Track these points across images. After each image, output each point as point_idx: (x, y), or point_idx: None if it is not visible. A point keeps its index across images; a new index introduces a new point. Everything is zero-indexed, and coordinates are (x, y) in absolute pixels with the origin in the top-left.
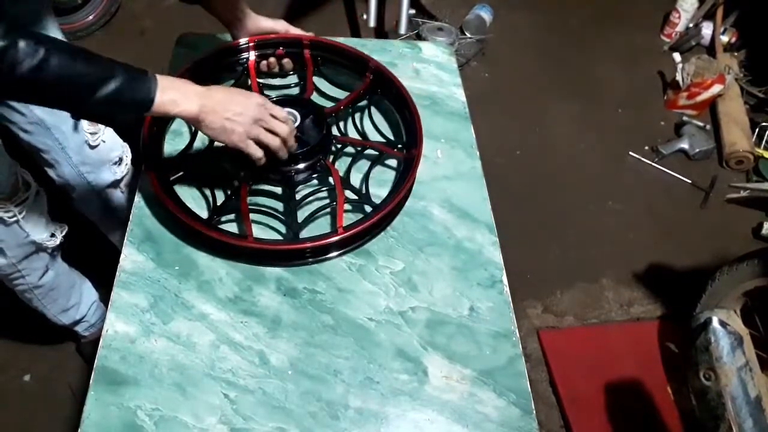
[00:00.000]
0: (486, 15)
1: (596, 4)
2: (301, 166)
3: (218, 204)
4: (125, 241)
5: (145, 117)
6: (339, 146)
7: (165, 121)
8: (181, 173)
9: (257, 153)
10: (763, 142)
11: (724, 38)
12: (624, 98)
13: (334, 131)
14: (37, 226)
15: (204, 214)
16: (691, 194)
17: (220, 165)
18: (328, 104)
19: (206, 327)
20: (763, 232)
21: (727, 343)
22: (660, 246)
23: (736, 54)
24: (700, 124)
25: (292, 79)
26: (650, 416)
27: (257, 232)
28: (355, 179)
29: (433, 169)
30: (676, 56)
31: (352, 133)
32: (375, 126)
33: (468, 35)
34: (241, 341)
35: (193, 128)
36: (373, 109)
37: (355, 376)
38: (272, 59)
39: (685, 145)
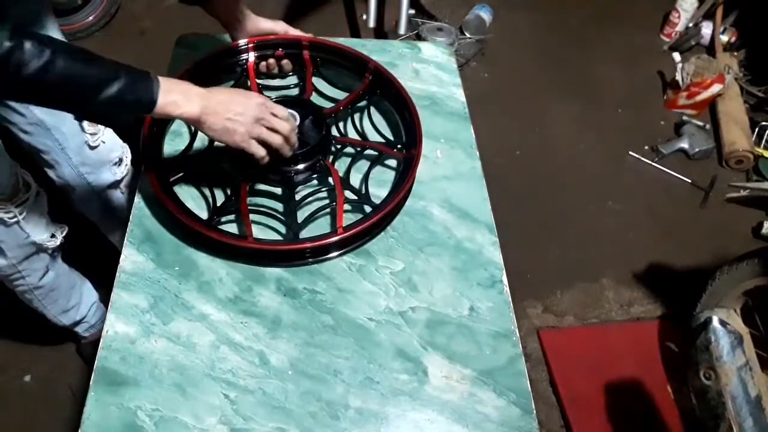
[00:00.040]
0: (486, 15)
1: (596, 4)
2: (301, 166)
3: (218, 204)
4: (125, 241)
5: (145, 118)
6: (338, 147)
7: (165, 121)
8: (181, 174)
9: (260, 152)
10: (763, 141)
11: (724, 38)
12: (624, 98)
13: (334, 132)
14: (37, 226)
15: (204, 214)
16: (691, 194)
17: (220, 166)
18: (328, 105)
19: (206, 327)
20: (763, 231)
21: (727, 342)
22: (660, 246)
23: (735, 53)
24: (700, 123)
25: (292, 80)
26: (650, 416)
27: (257, 232)
28: (355, 179)
29: (432, 169)
30: (676, 56)
31: (352, 134)
32: (374, 126)
33: (468, 35)
34: (241, 341)
35: (193, 129)
36: (372, 109)
37: (355, 376)
38: (271, 60)
39: (684, 145)
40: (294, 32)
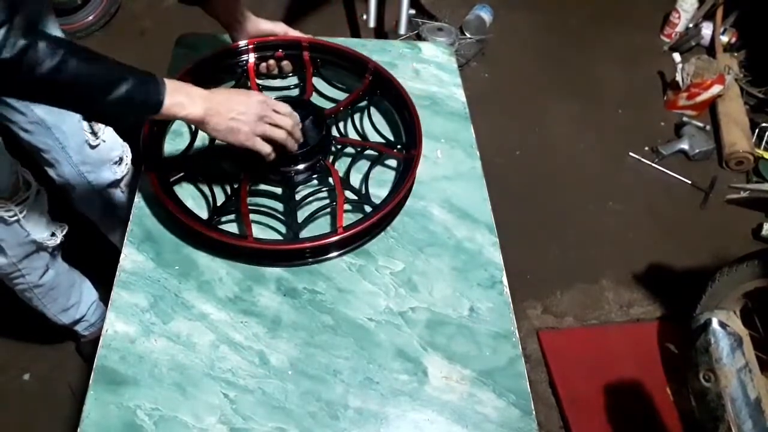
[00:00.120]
0: (486, 15)
1: (596, 4)
2: (301, 166)
3: (218, 204)
4: (125, 240)
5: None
6: (339, 147)
7: (165, 121)
8: (181, 173)
9: (265, 149)
10: (763, 142)
11: (724, 38)
12: (624, 98)
13: (334, 132)
14: (37, 225)
15: (204, 214)
16: (691, 195)
17: (221, 165)
18: (328, 105)
19: (206, 327)
20: (763, 233)
21: (727, 344)
22: (660, 246)
23: (735, 54)
24: (700, 124)
25: (292, 80)
26: (650, 417)
27: (257, 232)
28: (355, 179)
29: (433, 169)
30: (676, 56)
31: (352, 134)
32: (374, 127)
33: (468, 35)
34: (241, 341)
35: (194, 128)
36: (372, 109)
37: (355, 376)
38: (272, 61)
39: (685, 146)
40: (294, 33)
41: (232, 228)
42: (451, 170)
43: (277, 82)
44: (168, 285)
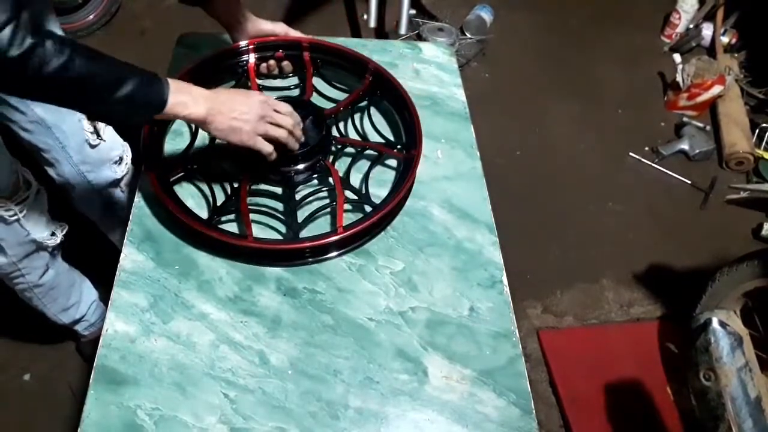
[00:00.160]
0: (486, 15)
1: (596, 5)
2: (301, 166)
3: (218, 204)
4: (125, 240)
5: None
6: (339, 147)
7: (165, 121)
8: (181, 173)
9: (267, 148)
10: (763, 143)
11: (725, 39)
12: (624, 99)
13: (334, 132)
14: (37, 224)
15: (204, 214)
16: (691, 195)
17: (221, 165)
18: (328, 105)
19: (206, 327)
20: (763, 233)
21: (727, 343)
22: (660, 246)
23: (736, 55)
24: (700, 125)
25: (292, 80)
26: (650, 416)
27: (257, 232)
28: (355, 179)
29: (433, 170)
30: (677, 57)
31: (352, 134)
32: (374, 127)
33: (468, 36)
34: (241, 341)
35: (194, 128)
36: (372, 109)
37: (355, 376)
38: (272, 61)
39: (685, 146)
40: (294, 33)
41: (232, 228)
42: (452, 170)
43: (278, 83)
44: (168, 285)
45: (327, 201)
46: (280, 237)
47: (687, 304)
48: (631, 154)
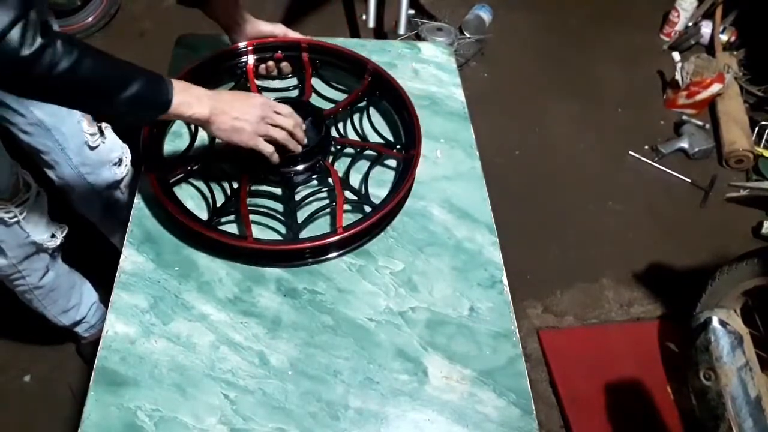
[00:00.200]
0: (485, 15)
1: (596, 4)
2: (301, 167)
3: (218, 205)
4: (125, 241)
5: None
6: (338, 147)
7: (165, 122)
8: (181, 174)
9: (268, 148)
10: (763, 140)
11: (724, 37)
12: (624, 98)
13: (333, 132)
14: (37, 226)
15: (204, 215)
16: (690, 193)
17: (220, 166)
18: (327, 106)
19: (206, 328)
20: (763, 231)
21: (727, 342)
22: (660, 246)
23: (735, 53)
24: (700, 123)
25: (291, 81)
26: (650, 416)
27: (257, 232)
28: (355, 180)
29: (432, 170)
30: (676, 55)
31: (352, 135)
32: (374, 127)
33: (467, 35)
34: (241, 342)
35: (193, 129)
36: (372, 110)
37: (355, 376)
38: (271, 63)
39: (684, 145)
40: (293, 35)
41: (232, 229)
42: (451, 170)
43: (277, 84)
44: (168, 286)
45: (327, 201)
46: (279, 238)
47: (687, 303)
48: (630, 153)
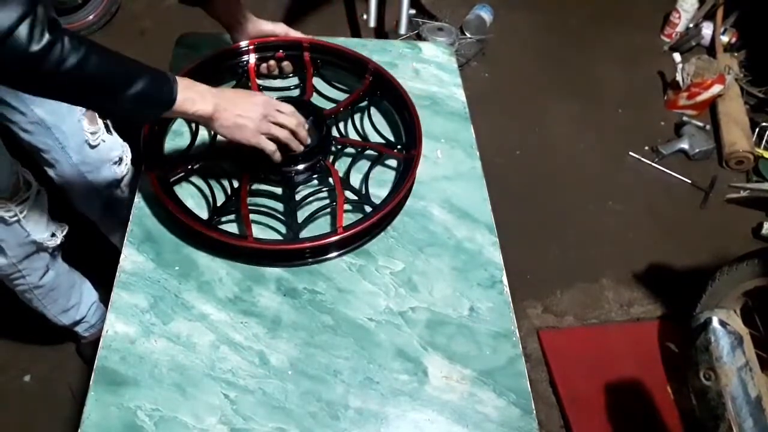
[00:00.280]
0: (486, 15)
1: (596, 4)
2: (301, 166)
3: (218, 204)
4: (125, 241)
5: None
6: (339, 147)
7: (166, 121)
8: (181, 173)
9: (270, 146)
10: (763, 142)
11: (724, 38)
12: (624, 98)
13: (334, 132)
14: (37, 225)
15: (204, 214)
16: (691, 194)
17: (221, 165)
18: (328, 106)
19: (206, 327)
20: (763, 232)
21: (727, 342)
22: (660, 246)
23: (736, 54)
24: (700, 124)
25: (292, 81)
26: (650, 416)
27: (257, 232)
28: (355, 180)
29: (433, 169)
30: (676, 56)
31: (352, 134)
32: (375, 127)
33: (468, 35)
34: (241, 341)
35: (194, 128)
36: (372, 109)
37: (355, 376)
38: (272, 62)
39: (685, 145)
40: (294, 34)
41: (232, 228)
42: (451, 170)
43: (278, 83)
44: (168, 285)
45: (327, 201)
46: (280, 237)
47: (687, 304)
48: (630, 153)
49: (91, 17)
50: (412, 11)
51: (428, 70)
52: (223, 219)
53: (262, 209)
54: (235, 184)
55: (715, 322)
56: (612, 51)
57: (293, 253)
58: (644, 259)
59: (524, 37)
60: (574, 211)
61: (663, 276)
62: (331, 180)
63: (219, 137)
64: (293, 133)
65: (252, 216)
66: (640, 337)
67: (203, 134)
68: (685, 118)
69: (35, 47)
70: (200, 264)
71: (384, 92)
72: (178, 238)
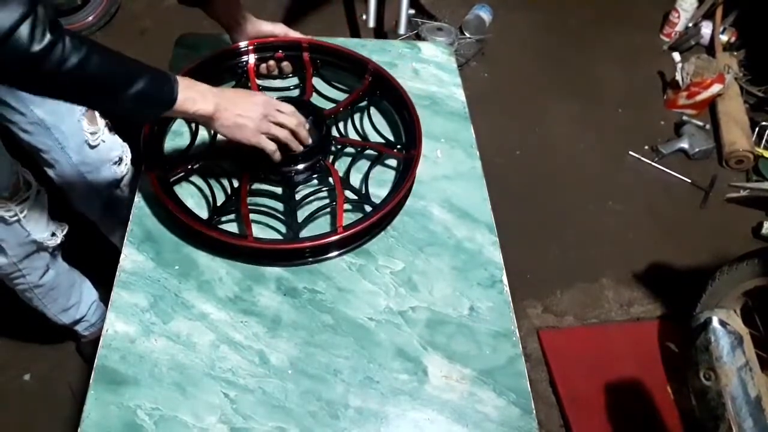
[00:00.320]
0: (485, 15)
1: (596, 4)
2: (301, 166)
3: (218, 204)
4: (125, 240)
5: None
6: (339, 147)
7: (166, 120)
8: (181, 173)
9: (270, 146)
10: (763, 141)
11: (724, 38)
12: (624, 98)
13: (334, 132)
14: (38, 225)
15: (204, 214)
16: (690, 194)
17: (221, 165)
18: (328, 106)
19: (206, 327)
20: (763, 231)
21: (727, 342)
22: (660, 246)
23: (735, 53)
24: (700, 123)
25: (292, 81)
26: (650, 416)
27: (257, 231)
28: (355, 179)
29: (433, 169)
30: (676, 56)
31: (352, 134)
32: (374, 127)
33: (467, 35)
34: (241, 341)
35: (194, 128)
36: (372, 109)
37: (355, 375)
38: (272, 62)
39: (684, 145)
40: (294, 34)
41: (232, 228)
42: (451, 170)
43: (277, 83)
44: (168, 285)
45: (327, 201)
46: (280, 237)
47: (687, 304)
48: (630, 153)
49: (90, 18)
50: (412, 11)
51: (428, 70)
52: (223, 218)
53: (262, 209)
54: (235, 183)
55: (715, 322)
56: (612, 51)
57: (293, 253)
58: (644, 258)
59: (524, 37)
60: (574, 211)
61: (663, 276)
62: (331, 180)
63: (219, 137)
64: (293, 132)
65: (252, 215)
66: (640, 337)
67: (203, 134)
68: (684, 118)
69: (36, 47)
70: (200, 263)
71: (384, 92)
72: (178, 238)
